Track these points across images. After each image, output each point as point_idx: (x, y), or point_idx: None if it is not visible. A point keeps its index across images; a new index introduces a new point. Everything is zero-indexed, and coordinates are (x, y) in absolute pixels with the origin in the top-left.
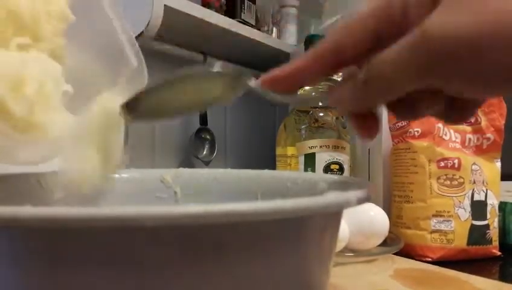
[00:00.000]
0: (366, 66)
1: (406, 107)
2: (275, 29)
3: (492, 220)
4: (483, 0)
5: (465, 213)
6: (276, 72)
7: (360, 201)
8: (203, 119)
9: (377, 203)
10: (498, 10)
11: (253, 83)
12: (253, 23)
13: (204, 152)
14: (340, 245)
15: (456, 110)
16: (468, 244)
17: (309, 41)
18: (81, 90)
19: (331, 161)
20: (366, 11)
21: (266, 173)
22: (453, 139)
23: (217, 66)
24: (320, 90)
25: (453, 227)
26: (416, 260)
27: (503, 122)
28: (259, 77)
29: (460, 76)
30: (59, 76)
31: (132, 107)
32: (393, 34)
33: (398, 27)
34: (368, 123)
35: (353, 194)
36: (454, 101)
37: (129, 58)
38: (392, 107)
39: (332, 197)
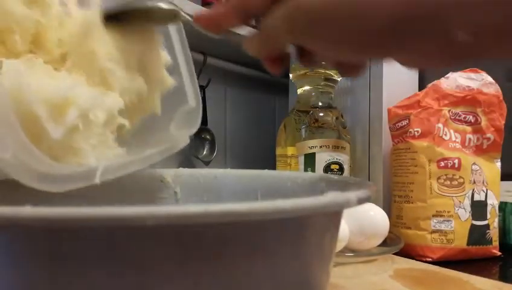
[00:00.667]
0: (264, 21)
1: (308, 57)
2: None
3: (493, 220)
4: None
5: (465, 213)
6: (204, 13)
7: (361, 201)
8: (203, 119)
9: (377, 203)
10: None
11: (188, 17)
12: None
13: (204, 152)
14: (340, 245)
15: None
16: (468, 244)
17: None
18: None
19: (331, 160)
20: None
21: (266, 173)
22: (453, 139)
23: (162, 3)
24: (320, 90)
25: (453, 227)
26: (416, 260)
27: (503, 122)
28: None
29: (314, 37)
30: (113, 107)
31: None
32: None
33: None
34: (275, 61)
35: (353, 194)
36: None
37: (188, 97)
38: (299, 56)
39: (332, 197)
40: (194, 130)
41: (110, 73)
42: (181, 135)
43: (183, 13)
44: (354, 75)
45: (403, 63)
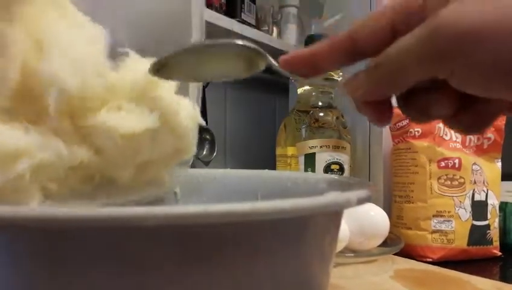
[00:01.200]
0: (382, 53)
1: (418, 108)
2: (275, 29)
3: (493, 220)
4: None
5: (465, 213)
6: (294, 53)
7: (361, 201)
8: (203, 119)
9: (377, 204)
10: (506, 4)
11: (273, 61)
12: (254, 23)
13: (204, 152)
14: (340, 245)
15: (469, 116)
16: (468, 244)
17: (309, 41)
18: None
19: (332, 161)
20: (386, 6)
21: (266, 173)
22: (454, 139)
23: (240, 41)
24: (320, 90)
25: (453, 227)
26: (416, 260)
27: (503, 122)
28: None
29: (463, 65)
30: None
31: (158, 69)
32: (410, 27)
33: (414, 19)
34: (380, 109)
35: (354, 194)
36: (467, 105)
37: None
38: (405, 108)
39: (332, 197)
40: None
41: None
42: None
43: (266, 54)
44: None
45: None
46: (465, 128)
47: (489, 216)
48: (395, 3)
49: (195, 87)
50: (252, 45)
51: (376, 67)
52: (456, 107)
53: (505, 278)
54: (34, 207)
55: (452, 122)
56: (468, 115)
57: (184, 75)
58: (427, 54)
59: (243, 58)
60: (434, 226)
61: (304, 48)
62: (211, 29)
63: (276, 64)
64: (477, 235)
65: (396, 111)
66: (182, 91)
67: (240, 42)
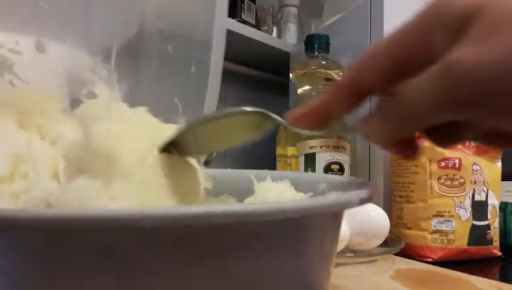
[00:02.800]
0: (393, 98)
1: (444, 135)
2: (275, 29)
3: (493, 220)
4: None
5: (465, 213)
6: (302, 109)
7: (362, 201)
8: None
9: (377, 204)
10: None
11: (281, 120)
12: (254, 23)
13: None
14: (340, 245)
15: (498, 138)
16: (468, 244)
17: (309, 40)
18: None
19: (332, 161)
20: (385, 41)
21: (266, 173)
22: None
23: (249, 107)
24: (320, 89)
25: (453, 227)
26: (416, 260)
27: None
28: (286, 113)
29: (491, 109)
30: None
31: (167, 148)
32: (415, 64)
33: (419, 57)
34: (404, 145)
35: (355, 195)
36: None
37: None
38: (430, 135)
39: (334, 197)
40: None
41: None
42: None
43: (274, 116)
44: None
45: None
46: (495, 145)
47: (489, 216)
48: (393, 38)
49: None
50: (260, 110)
51: (388, 114)
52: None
53: (505, 278)
54: (34, 208)
55: (481, 142)
56: (497, 137)
57: (195, 150)
58: (449, 99)
59: (252, 122)
60: (434, 226)
61: (310, 101)
62: None
63: (284, 122)
64: (477, 235)
65: None
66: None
67: (248, 109)
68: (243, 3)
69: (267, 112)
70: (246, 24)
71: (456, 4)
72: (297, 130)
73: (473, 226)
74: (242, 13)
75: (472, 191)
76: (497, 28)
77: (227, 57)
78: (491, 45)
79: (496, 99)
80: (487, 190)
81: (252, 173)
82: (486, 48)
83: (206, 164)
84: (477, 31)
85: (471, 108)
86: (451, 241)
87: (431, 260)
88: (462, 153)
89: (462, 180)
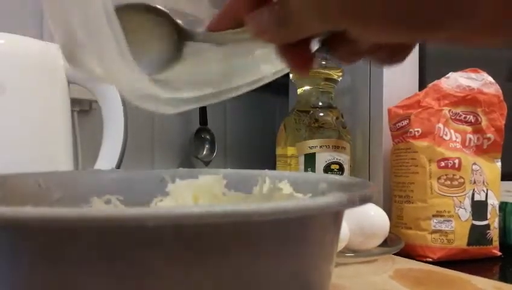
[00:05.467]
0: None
1: (343, 50)
2: None
3: (493, 220)
4: None
5: (465, 213)
6: (217, 16)
7: (363, 201)
8: (203, 119)
9: (377, 204)
10: None
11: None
12: None
13: (204, 152)
14: (340, 245)
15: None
16: (468, 244)
17: None
18: None
19: (331, 160)
20: None
21: (266, 173)
22: (454, 139)
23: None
24: (320, 90)
25: (453, 227)
26: (416, 260)
27: (503, 122)
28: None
29: (349, 17)
30: None
31: None
32: None
33: None
34: (298, 53)
35: (355, 195)
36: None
37: None
38: (337, 51)
39: (334, 197)
40: (278, 67)
41: None
42: (265, 68)
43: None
44: (400, 61)
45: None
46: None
47: (489, 216)
48: None
49: None
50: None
51: (281, 22)
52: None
53: (504, 278)
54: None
55: (377, 61)
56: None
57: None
58: (321, 15)
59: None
60: (434, 226)
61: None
62: None
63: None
64: (477, 235)
65: (396, 111)
66: None
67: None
68: None
69: (153, 5)
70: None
71: None
72: (211, 42)
73: (473, 226)
74: None
75: (472, 191)
76: None
77: None
78: None
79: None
80: (487, 189)
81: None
82: None
83: (206, 163)
84: None
85: (335, 16)
86: (451, 241)
87: (431, 259)
88: (462, 153)
89: (461, 180)
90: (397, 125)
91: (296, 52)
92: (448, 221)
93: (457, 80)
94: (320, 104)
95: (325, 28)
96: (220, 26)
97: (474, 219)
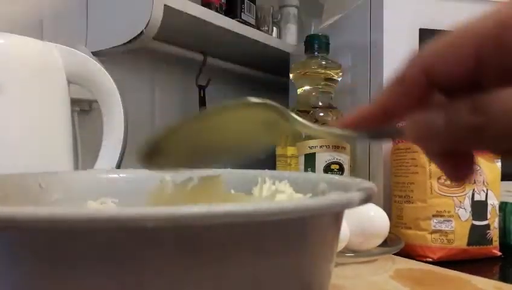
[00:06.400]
0: (476, 105)
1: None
2: (275, 29)
3: (493, 220)
4: None
5: (465, 213)
6: (359, 112)
7: (363, 201)
8: None
9: (377, 204)
10: None
11: (300, 119)
12: (253, 23)
13: None
14: (340, 245)
15: None
16: (468, 244)
17: (309, 40)
18: None
19: (332, 160)
20: (467, 28)
21: (266, 173)
22: None
23: (255, 98)
24: (320, 90)
25: (453, 227)
26: (416, 260)
27: None
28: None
29: None
30: None
31: (151, 154)
32: (504, 64)
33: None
34: (457, 163)
35: (355, 195)
36: None
37: None
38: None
39: (334, 197)
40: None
41: None
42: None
43: (288, 112)
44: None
45: None
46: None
47: (489, 216)
48: (479, 24)
49: None
50: (269, 102)
51: (480, 128)
52: None
53: (504, 278)
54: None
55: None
56: None
57: (185, 160)
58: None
59: (261, 121)
60: (434, 226)
61: (371, 103)
62: (210, 30)
63: (305, 122)
64: (477, 235)
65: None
66: None
67: (253, 100)
68: (243, 3)
69: (276, 105)
70: (246, 24)
71: None
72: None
73: (473, 226)
74: (242, 13)
75: (472, 191)
76: None
77: (227, 58)
78: None
79: None
80: (487, 189)
81: (254, 173)
82: None
83: None
84: None
85: None
86: (451, 241)
87: (431, 260)
88: None
89: None
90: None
91: (457, 162)
92: (448, 221)
93: None
94: (320, 104)
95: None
96: (359, 126)
97: (474, 219)
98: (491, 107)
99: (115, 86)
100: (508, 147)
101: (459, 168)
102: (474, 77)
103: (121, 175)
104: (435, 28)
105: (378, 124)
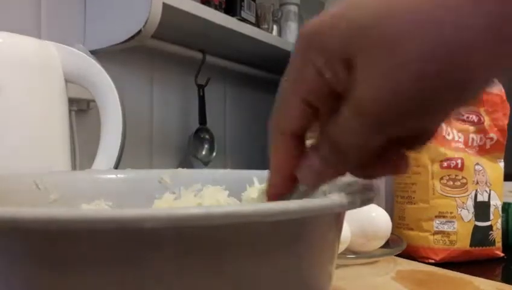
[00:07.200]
0: (326, 142)
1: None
2: (275, 27)
3: (496, 221)
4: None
5: (468, 214)
6: (270, 195)
7: (365, 202)
8: (203, 118)
9: (379, 204)
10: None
11: None
12: (253, 21)
13: (204, 152)
14: (341, 247)
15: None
16: (471, 245)
17: None
18: None
19: None
20: (288, 87)
21: (267, 173)
22: (456, 139)
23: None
24: None
25: (455, 228)
26: (418, 261)
27: (506, 122)
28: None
29: (403, 118)
30: None
31: None
32: (328, 97)
33: (323, 93)
34: (384, 161)
35: (357, 196)
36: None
37: None
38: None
39: (336, 198)
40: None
41: None
42: None
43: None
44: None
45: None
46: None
47: (491, 217)
48: (295, 83)
49: None
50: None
51: (339, 154)
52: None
53: (507, 279)
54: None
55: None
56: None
57: None
58: (373, 128)
59: None
60: (436, 227)
61: (270, 181)
62: (210, 28)
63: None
64: (480, 236)
65: None
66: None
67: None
68: (243, 1)
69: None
70: (246, 22)
71: (335, 34)
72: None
73: (475, 227)
74: (242, 11)
75: (474, 191)
76: (375, 59)
77: (227, 56)
78: (375, 78)
79: (405, 118)
80: (489, 190)
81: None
82: (373, 80)
83: (206, 164)
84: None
85: (393, 124)
86: (454, 242)
87: (433, 261)
88: (465, 153)
89: (464, 180)
90: None
91: (382, 162)
92: (450, 222)
93: None
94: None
95: (389, 134)
96: (283, 191)
97: (476, 219)
98: (331, 138)
99: (113, 85)
100: (378, 143)
101: (390, 165)
102: (317, 114)
103: (118, 175)
104: None
105: (291, 188)
